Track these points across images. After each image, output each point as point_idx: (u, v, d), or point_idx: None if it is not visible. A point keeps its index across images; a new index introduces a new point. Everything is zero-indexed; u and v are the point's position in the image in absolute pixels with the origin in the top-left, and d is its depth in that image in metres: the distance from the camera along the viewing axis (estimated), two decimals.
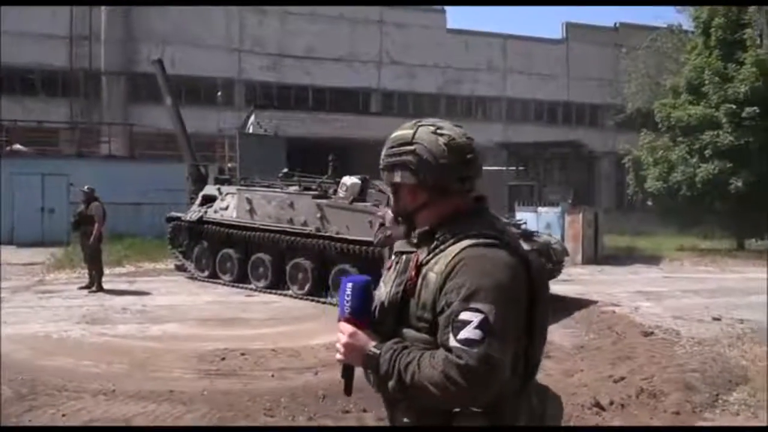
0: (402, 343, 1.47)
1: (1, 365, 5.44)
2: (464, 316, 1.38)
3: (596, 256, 16.08)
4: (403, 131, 1.62)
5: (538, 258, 1.65)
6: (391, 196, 1.69)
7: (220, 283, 10.62)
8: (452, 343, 1.37)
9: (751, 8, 19.33)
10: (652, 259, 16.67)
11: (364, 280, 1.56)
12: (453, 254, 1.47)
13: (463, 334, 1.36)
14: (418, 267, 1.52)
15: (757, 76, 17.30)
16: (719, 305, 9.57)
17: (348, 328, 1.52)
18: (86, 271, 10.03)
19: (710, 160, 17.54)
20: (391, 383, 1.43)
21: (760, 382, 5.43)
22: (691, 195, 18.10)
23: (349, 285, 1.54)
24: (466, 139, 1.58)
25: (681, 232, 21.10)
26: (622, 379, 5.46)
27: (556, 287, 10.27)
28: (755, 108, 16.99)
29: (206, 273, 10.99)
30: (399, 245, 1.66)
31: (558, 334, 7.43)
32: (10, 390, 4.90)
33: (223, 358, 6.05)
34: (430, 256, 1.51)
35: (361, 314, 1.53)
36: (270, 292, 9.90)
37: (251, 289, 10.15)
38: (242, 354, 6.20)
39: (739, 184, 17.02)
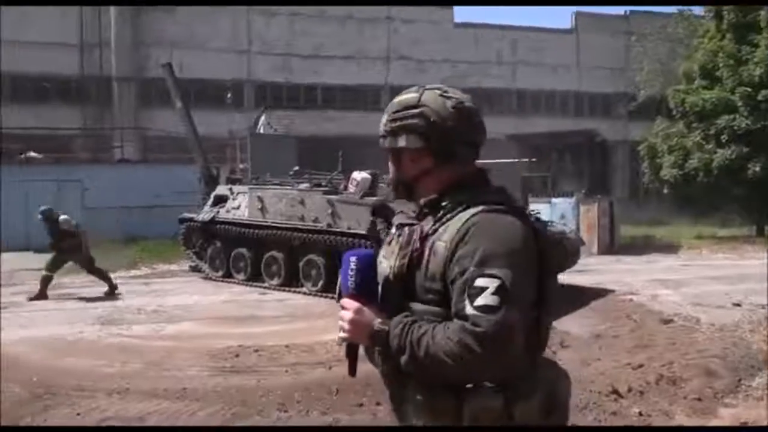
0: (411, 317, 1.41)
1: (10, 367, 5.46)
2: (480, 282, 1.33)
3: (612, 245, 15.89)
4: (408, 95, 1.57)
5: (545, 228, 1.62)
6: (390, 165, 1.62)
7: (234, 282, 10.63)
8: (469, 310, 1.32)
9: None
10: (670, 248, 16.43)
11: (368, 254, 1.49)
12: (463, 221, 1.42)
13: (480, 300, 1.32)
14: (424, 237, 1.46)
15: None
16: (739, 291, 9.38)
17: (353, 304, 1.46)
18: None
19: (727, 146, 17.23)
20: (403, 358, 1.38)
21: None
22: (707, 182, 17.80)
23: (353, 259, 1.46)
24: (473, 103, 1.56)
25: (698, 219, 20.78)
26: (641, 366, 5.36)
27: (572, 277, 10.18)
28: None
29: (220, 273, 11.01)
30: (398, 218, 1.61)
31: (575, 323, 7.33)
32: (26, 391, 4.92)
33: (237, 355, 6.05)
34: (437, 225, 1.46)
35: (366, 290, 1.46)
36: (284, 290, 9.89)
37: (265, 287, 10.15)
38: (256, 351, 6.19)
39: (757, 169, 16.71)
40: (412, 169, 1.55)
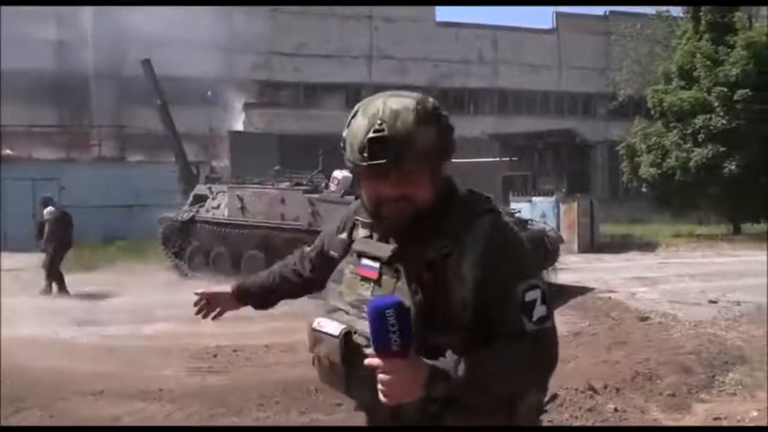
0: (455, 354, 1.29)
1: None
2: (529, 296, 1.32)
3: (592, 244, 16.06)
4: (431, 102, 1.36)
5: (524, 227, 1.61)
6: (427, 183, 1.35)
7: (214, 282, 10.52)
8: (530, 327, 1.31)
9: None
10: (648, 246, 16.65)
11: (398, 302, 1.24)
12: (484, 237, 1.33)
13: (536, 313, 1.32)
14: (431, 265, 1.33)
15: (747, 59, 17.28)
16: (716, 288, 9.54)
17: (399, 365, 1.22)
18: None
19: (704, 145, 17.51)
20: (472, 395, 1.29)
21: (756, 362, 5.39)
22: (685, 180, 18.06)
23: (390, 312, 1.20)
24: None
25: (676, 218, 21.09)
26: (617, 363, 5.42)
27: (552, 276, 10.25)
28: (747, 90, 16.98)
29: (200, 272, 10.90)
30: (368, 247, 1.43)
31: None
32: None
33: (215, 355, 6.00)
34: (447, 249, 1.33)
35: (408, 343, 1.24)
36: None
37: None
38: (234, 350, 6.16)
39: (733, 167, 17.00)
40: (433, 190, 1.37)
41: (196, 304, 1.85)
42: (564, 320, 7.53)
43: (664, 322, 7.34)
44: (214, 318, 1.88)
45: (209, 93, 24.50)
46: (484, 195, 1.46)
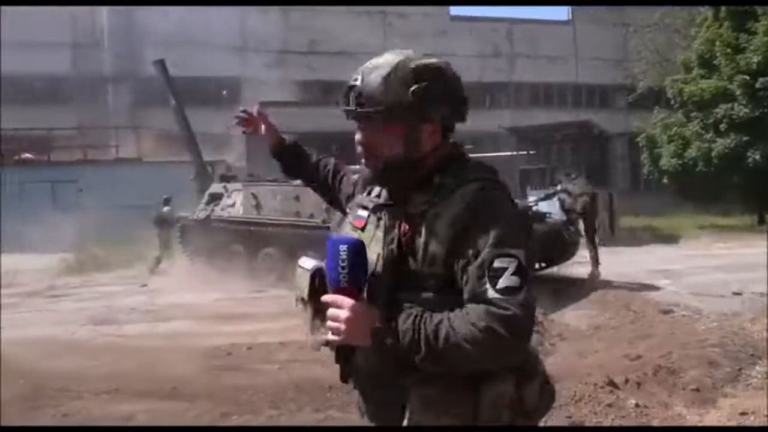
0: (416, 308, 1.29)
1: (3, 368, 5.37)
2: (499, 263, 1.26)
3: (612, 237, 15.78)
4: (427, 60, 1.42)
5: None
6: (389, 142, 1.40)
7: (229, 280, 10.52)
8: (491, 294, 1.25)
9: None
10: (671, 239, 16.34)
11: (357, 241, 1.31)
12: (466, 200, 1.32)
13: (503, 282, 1.26)
14: (411, 219, 1.35)
15: None
16: (740, 280, 9.26)
17: (347, 301, 1.28)
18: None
19: (726, 134, 17.11)
20: (419, 354, 1.25)
21: None
22: (707, 171, 17.67)
23: (343, 247, 1.27)
24: None
25: (698, 209, 20.66)
26: (639, 357, 5.26)
27: (571, 269, 10.10)
28: None
29: (216, 270, 10.91)
30: (364, 200, 1.49)
31: (573, 315, 7.26)
32: (12, 392, 4.83)
33: (229, 353, 5.96)
34: (428, 206, 1.34)
35: (359, 282, 1.30)
36: (280, 287, 9.79)
37: (261, 284, 10.06)
38: (249, 348, 6.11)
39: (757, 157, 16.59)
40: (426, 146, 1.39)
41: (237, 116, 1.97)
42: (584, 314, 7.39)
43: (687, 314, 7.15)
44: (245, 132, 2.00)
45: (225, 92, 24.62)
46: (491, 167, 1.44)
